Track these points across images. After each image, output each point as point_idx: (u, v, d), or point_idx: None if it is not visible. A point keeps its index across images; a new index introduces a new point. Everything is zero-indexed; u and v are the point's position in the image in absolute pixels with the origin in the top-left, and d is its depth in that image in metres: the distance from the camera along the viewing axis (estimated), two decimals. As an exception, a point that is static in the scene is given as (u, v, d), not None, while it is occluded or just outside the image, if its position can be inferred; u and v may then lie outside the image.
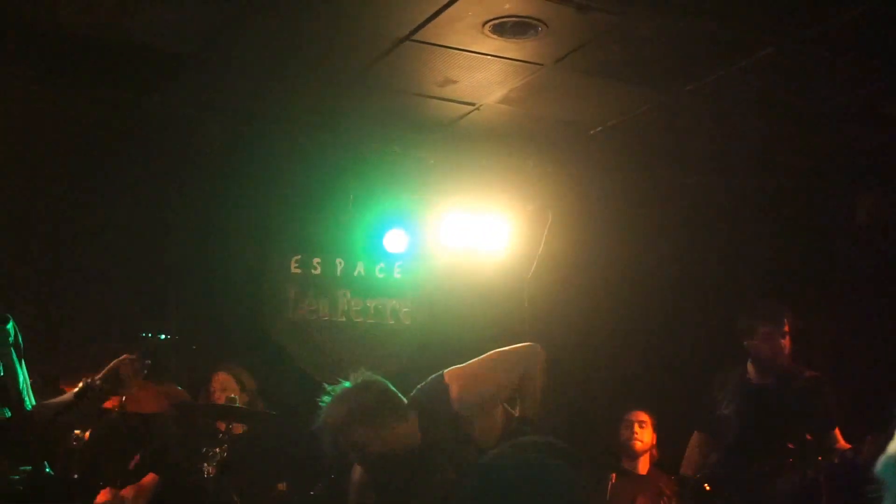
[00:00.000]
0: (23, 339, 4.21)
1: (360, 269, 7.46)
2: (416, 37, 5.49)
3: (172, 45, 5.70)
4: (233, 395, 5.62)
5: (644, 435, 6.92)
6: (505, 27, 5.37)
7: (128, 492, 5.70)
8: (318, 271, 7.36)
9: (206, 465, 4.98)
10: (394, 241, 7.42)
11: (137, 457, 5.77)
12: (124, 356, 4.15)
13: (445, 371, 4.76)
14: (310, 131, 6.98)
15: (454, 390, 4.61)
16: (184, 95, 6.41)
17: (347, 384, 4.54)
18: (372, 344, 7.41)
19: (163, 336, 4.37)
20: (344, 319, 7.38)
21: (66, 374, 5.30)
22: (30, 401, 4.11)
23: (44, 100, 6.23)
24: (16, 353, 4.06)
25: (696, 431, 6.07)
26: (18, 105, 6.14)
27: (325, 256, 7.38)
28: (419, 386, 4.86)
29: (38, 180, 6.34)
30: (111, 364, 4.10)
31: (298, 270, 7.32)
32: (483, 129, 6.89)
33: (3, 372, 3.93)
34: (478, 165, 7.48)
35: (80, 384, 4.14)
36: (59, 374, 5.17)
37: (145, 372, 4.19)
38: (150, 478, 5.84)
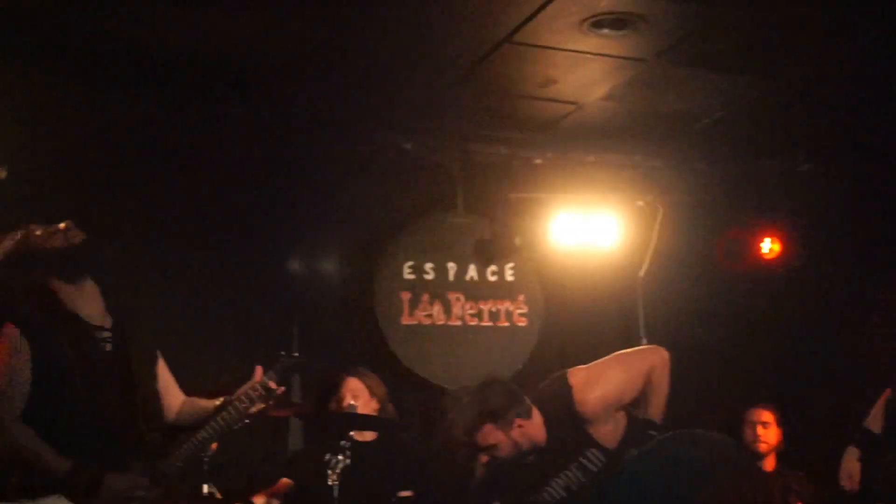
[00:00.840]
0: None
1: (472, 272, 7.48)
2: (516, 38, 5.52)
3: (273, 59, 5.81)
4: (353, 403, 5.67)
5: (768, 435, 6.80)
6: (603, 24, 5.36)
7: (260, 498, 5.82)
8: (430, 276, 7.41)
9: (329, 472, 5.04)
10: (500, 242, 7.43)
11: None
12: (258, 377, 4.24)
13: (568, 370, 4.78)
14: (415, 137, 7.04)
15: (577, 390, 4.64)
16: (289, 108, 6.52)
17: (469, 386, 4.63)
18: (487, 347, 7.41)
19: (295, 355, 4.47)
20: (459, 323, 7.41)
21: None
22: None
23: (143, 119, 6.38)
24: (152, 365, 4.18)
25: (850, 446, 5.95)
26: (117, 124, 6.30)
27: (437, 261, 7.43)
28: (541, 385, 4.89)
29: (140, 197, 6.47)
30: (247, 385, 4.21)
31: (411, 276, 7.38)
32: (587, 127, 6.87)
33: (144, 387, 4.05)
34: (584, 163, 7.46)
35: (219, 401, 4.25)
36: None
37: (278, 393, 4.28)
38: (283, 483, 5.96)
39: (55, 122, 6.14)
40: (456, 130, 7.01)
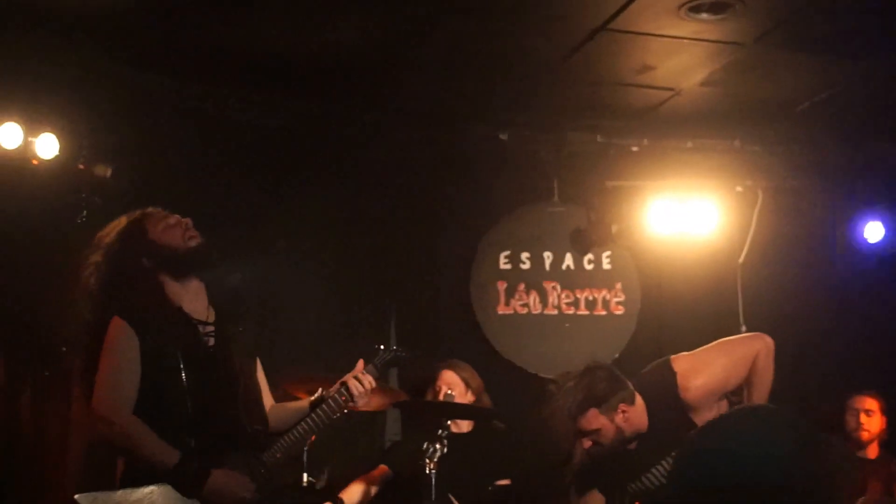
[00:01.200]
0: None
1: (568, 261, 7.45)
2: (612, 25, 5.47)
3: (367, 55, 5.86)
4: (450, 392, 5.71)
5: (871, 424, 6.66)
6: (701, 8, 5.28)
7: (358, 485, 5.87)
8: (526, 265, 7.40)
9: (427, 461, 5.07)
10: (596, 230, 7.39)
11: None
12: (357, 372, 4.26)
13: (672, 357, 4.74)
14: (510, 127, 7.04)
15: (681, 377, 4.61)
16: (386, 104, 6.58)
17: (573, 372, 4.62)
18: (583, 336, 7.39)
19: (394, 349, 4.50)
20: (555, 312, 7.39)
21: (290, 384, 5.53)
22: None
23: (246, 118, 6.50)
24: (252, 361, 4.22)
25: None
26: (220, 124, 6.44)
27: (534, 250, 7.41)
28: (643, 371, 4.85)
29: (248, 196, 6.58)
30: (344, 378, 4.24)
31: (507, 266, 7.38)
32: (685, 113, 6.79)
33: (246, 382, 4.10)
34: (682, 149, 7.37)
35: (317, 394, 4.30)
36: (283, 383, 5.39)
37: (374, 386, 4.30)
38: (380, 470, 6.01)
39: (168, 123, 6.28)
40: (551, 120, 6.99)
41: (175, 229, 4.07)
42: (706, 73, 6.16)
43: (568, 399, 4.62)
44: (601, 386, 4.61)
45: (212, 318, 4.12)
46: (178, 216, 4.12)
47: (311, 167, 6.79)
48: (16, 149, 5.51)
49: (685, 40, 5.68)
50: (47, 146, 5.60)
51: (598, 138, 7.27)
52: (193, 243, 4.07)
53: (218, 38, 5.67)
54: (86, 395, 3.92)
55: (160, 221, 4.07)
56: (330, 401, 4.18)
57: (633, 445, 4.67)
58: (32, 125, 5.54)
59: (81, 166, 5.73)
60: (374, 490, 5.92)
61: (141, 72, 5.88)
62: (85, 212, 4.81)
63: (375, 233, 7.12)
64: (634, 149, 7.37)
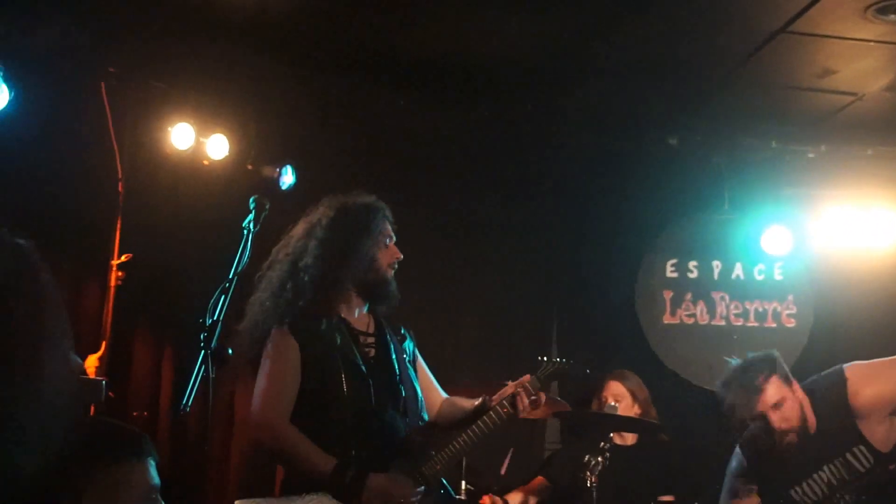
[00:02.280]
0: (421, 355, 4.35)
1: (738, 271, 7.22)
2: (792, 28, 5.29)
3: (540, 61, 5.79)
4: (613, 404, 5.57)
5: None
6: (890, 9, 5.06)
7: (516, 495, 5.80)
8: (694, 275, 7.20)
9: (588, 473, 4.96)
10: (774, 240, 7.11)
11: (506, 461, 5.87)
12: (524, 380, 4.17)
13: (846, 365, 4.59)
14: (681, 132, 6.86)
15: (852, 384, 4.50)
16: (556, 109, 6.50)
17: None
18: (752, 348, 7.09)
19: (557, 360, 4.39)
20: (723, 323, 7.17)
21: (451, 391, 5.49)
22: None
23: (417, 117, 6.51)
24: (413, 369, 4.20)
25: None
26: (388, 127, 6.47)
27: (702, 259, 7.20)
28: (814, 376, 4.70)
29: (413, 200, 6.59)
30: (509, 387, 4.14)
31: (674, 274, 7.19)
32: (867, 118, 6.51)
33: (406, 391, 4.07)
34: (863, 157, 7.04)
35: (479, 401, 4.23)
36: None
37: (538, 398, 4.20)
38: (538, 481, 5.92)
39: (337, 125, 6.36)
40: (724, 125, 6.78)
41: (390, 252, 4.07)
42: (891, 78, 5.88)
43: (736, 392, 4.54)
44: (760, 366, 4.56)
45: (372, 329, 4.10)
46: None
47: (477, 172, 6.77)
48: (188, 149, 5.61)
49: (871, 43, 5.44)
50: (218, 147, 5.69)
51: (773, 144, 7.02)
52: (391, 275, 4.07)
53: (388, 40, 5.71)
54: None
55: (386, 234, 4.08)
56: (492, 412, 4.08)
57: (792, 437, 4.50)
58: (204, 126, 5.64)
59: (250, 167, 5.81)
60: (533, 501, 5.84)
61: (310, 73, 5.94)
62: (253, 213, 4.84)
63: (540, 238, 7.05)
64: (811, 155, 7.09)
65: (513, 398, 4.08)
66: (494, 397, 4.15)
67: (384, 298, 4.08)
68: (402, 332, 4.22)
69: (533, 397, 4.13)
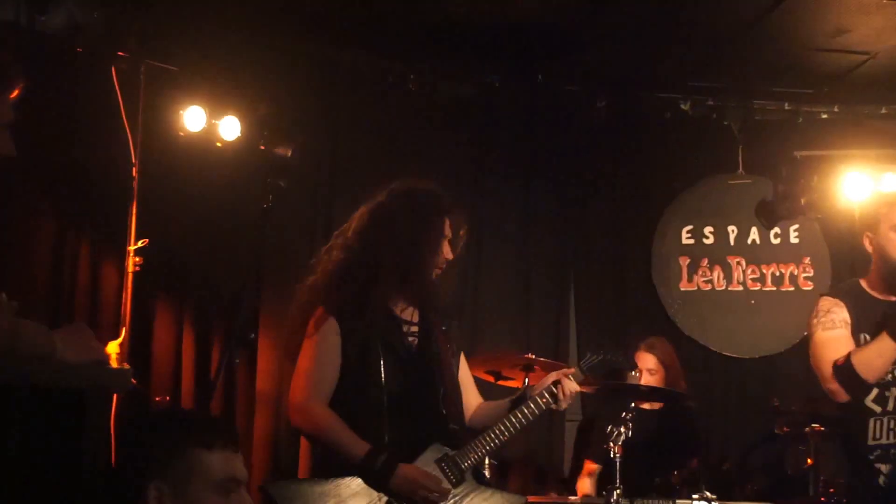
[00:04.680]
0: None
1: (753, 234, 7.18)
2: (804, -12, 5.25)
3: (553, 21, 5.76)
4: (635, 374, 5.54)
5: None
6: (902, -33, 5.00)
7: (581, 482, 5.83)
8: (710, 240, 7.17)
9: (612, 444, 4.94)
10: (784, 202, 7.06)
11: None
12: (566, 371, 4.13)
13: None
14: (693, 95, 6.83)
15: None
16: (568, 73, 6.46)
17: None
18: (770, 312, 7.12)
19: (602, 353, 4.30)
20: (740, 288, 7.14)
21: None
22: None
23: (430, 88, 6.49)
24: (456, 362, 4.14)
25: None
26: (401, 95, 6.45)
27: (717, 224, 7.17)
28: None
29: (435, 172, 6.59)
30: (550, 377, 4.10)
31: (690, 240, 7.17)
32: (881, 77, 6.49)
33: (446, 382, 4.03)
34: (876, 116, 7.01)
35: (519, 392, 4.20)
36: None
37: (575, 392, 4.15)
38: (589, 465, 5.94)
39: (351, 100, 6.37)
40: (737, 87, 6.74)
41: (440, 253, 4.00)
42: (906, 36, 5.84)
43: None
44: None
45: (416, 318, 4.06)
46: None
47: (490, 144, 6.76)
48: (200, 132, 5.60)
49: (883, 1, 5.39)
50: (230, 128, 5.67)
51: (786, 106, 6.99)
52: (435, 275, 4.01)
53: (399, 10, 5.71)
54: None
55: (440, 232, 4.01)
56: (531, 402, 4.02)
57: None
58: (215, 108, 5.62)
59: (262, 147, 5.79)
60: (593, 484, 5.86)
61: (323, 48, 5.92)
62: (271, 196, 4.84)
63: (553, 207, 7.03)
64: (824, 116, 7.07)
65: (553, 389, 4.04)
66: (535, 387, 4.11)
67: (424, 299, 4.02)
68: (449, 324, 4.14)
69: (575, 389, 4.08)
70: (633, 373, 5.62)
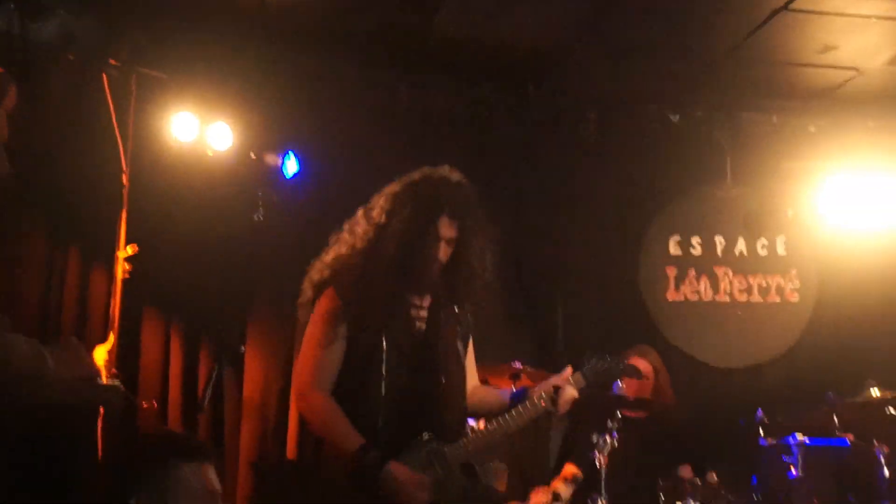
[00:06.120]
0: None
1: (741, 245, 7.22)
2: (794, 5, 5.32)
3: (544, 40, 5.79)
4: (620, 384, 5.55)
5: None
6: (889, -15, 5.04)
7: (557, 484, 5.81)
8: (697, 251, 7.21)
9: (597, 454, 4.96)
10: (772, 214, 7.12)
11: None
12: (563, 379, 4.09)
13: None
14: (682, 109, 6.86)
15: None
16: (558, 84, 6.51)
17: None
18: (757, 324, 7.16)
19: (608, 358, 4.24)
20: (727, 299, 7.18)
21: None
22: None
23: (421, 99, 6.51)
24: (464, 346, 4.12)
25: None
26: (395, 107, 6.45)
27: (705, 235, 7.21)
28: None
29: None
30: (550, 381, 4.08)
31: (678, 251, 7.20)
32: (868, 93, 6.54)
33: (448, 372, 4.00)
34: (863, 130, 7.04)
35: (516, 390, 4.19)
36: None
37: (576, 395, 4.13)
38: (569, 467, 5.94)
39: (342, 110, 6.36)
40: (725, 101, 6.77)
41: (440, 244, 3.94)
42: (893, 53, 5.90)
43: None
44: None
45: (426, 303, 4.01)
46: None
47: (481, 153, 6.76)
48: (191, 139, 5.62)
49: (871, 19, 5.46)
50: (222, 136, 5.68)
51: (774, 118, 7.02)
52: (435, 265, 3.95)
53: (392, 23, 5.74)
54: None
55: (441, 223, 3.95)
56: (528, 403, 4.01)
57: None
58: (207, 115, 5.64)
59: (253, 156, 5.81)
60: (570, 489, 5.84)
61: (316, 58, 5.94)
62: (262, 208, 4.86)
63: (542, 217, 7.03)
64: (812, 129, 7.09)
65: (554, 394, 4.02)
66: (535, 390, 4.08)
67: (429, 287, 3.99)
68: (460, 307, 4.08)
69: (575, 396, 4.06)
70: (619, 383, 5.65)
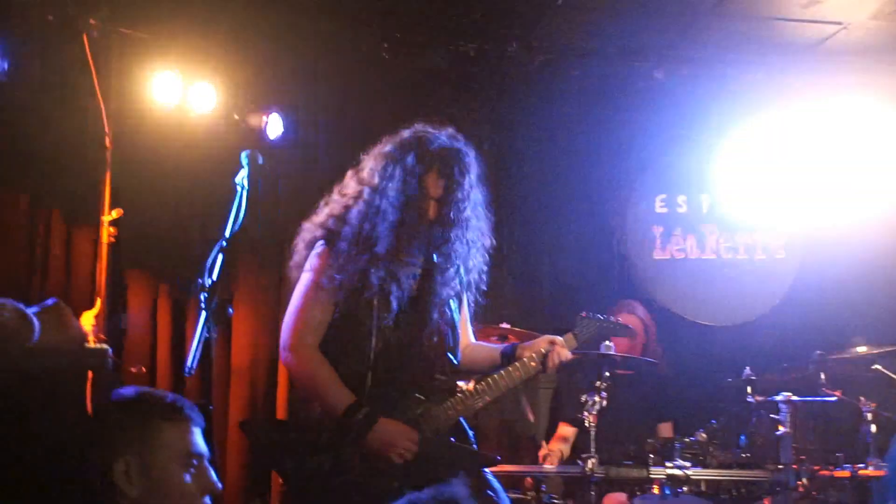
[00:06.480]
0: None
1: (727, 203, 7.21)
2: (778, -41, 5.25)
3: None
4: (609, 344, 5.55)
5: None
6: (877, -65, 5.01)
7: (554, 444, 5.82)
8: (683, 209, 7.20)
9: (586, 414, 4.98)
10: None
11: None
12: (556, 341, 4.08)
13: None
14: (668, 66, 6.82)
15: None
16: (542, 41, 6.47)
17: None
18: (744, 280, 7.17)
19: (600, 317, 4.26)
20: (713, 257, 7.18)
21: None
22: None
23: (404, 58, 6.47)
24: (458, 303, 4.09)
25: None
26: (378, 66, 6.41)
27: (691, 193, 7.20)
28: None
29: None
30: (541, 341, 4.07)
31: (664, 209, 7.19)
32: (853, 48, 6.51)
33: (440, 330, 3.99)
34: (847, 85, 7.02)
35: (507, 349, 4.16)
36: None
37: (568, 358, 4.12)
38: (564, 427, 5.95)
39: (328, 69, 6.31)
40: (710, 58, 6.73)
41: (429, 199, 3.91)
42: (878, 5, 5.88)
43: None
44: None
45: (419, 262, 3.97)
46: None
47: (465, 111, 6.72)
48: (174, 100, 5.57)
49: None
50: (205, 96, 5.63)
51: (759, 75, 6.97)
52: (423, 223, 3.93)
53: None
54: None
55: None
56: (518, 364, 4.01)
57: None
58: (189, 75, 5.59)
59: (237, 117, 5.76)
60: (567, 448, 5.86)
61: (299, 17, 5.88)
62: (248, 170, 4.80)
63: (526, 175, 7.01)
64: (797, 85, 7.04)
65: (545, 355, 4.03)
66: (525, 349, 4.08)
67: (420, 244, 3.95)
68: (455, 263, 4.01)
69: (567, 357, 4.06)
70: (608, 343, 5.66)
